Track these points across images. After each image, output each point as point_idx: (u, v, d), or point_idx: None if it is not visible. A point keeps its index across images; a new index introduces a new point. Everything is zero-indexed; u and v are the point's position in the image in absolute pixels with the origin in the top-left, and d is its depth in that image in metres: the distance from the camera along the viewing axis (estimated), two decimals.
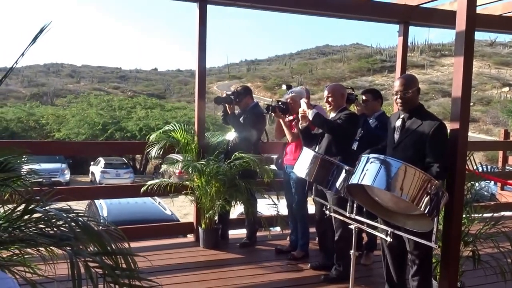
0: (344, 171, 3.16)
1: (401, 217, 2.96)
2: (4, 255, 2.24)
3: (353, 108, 4.52)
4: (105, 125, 24.99)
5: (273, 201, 4.52)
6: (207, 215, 4.59)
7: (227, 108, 4.71)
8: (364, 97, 4.40)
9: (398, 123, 3.13)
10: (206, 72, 5.01)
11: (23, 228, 2.05)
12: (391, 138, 3.16)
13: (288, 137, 4.43)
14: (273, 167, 4.80)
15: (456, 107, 3.08)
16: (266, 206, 4.60)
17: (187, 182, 4.73)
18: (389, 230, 2.88)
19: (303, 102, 3.94)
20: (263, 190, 4.60)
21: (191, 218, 6.00)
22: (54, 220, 2.05)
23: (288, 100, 4.45)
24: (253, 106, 4.77)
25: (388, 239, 2.88)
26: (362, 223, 3.09)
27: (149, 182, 4.67)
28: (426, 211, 2.61)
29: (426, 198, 2.59)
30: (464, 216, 3.31)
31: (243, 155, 4.40)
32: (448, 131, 3.09)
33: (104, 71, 78.64)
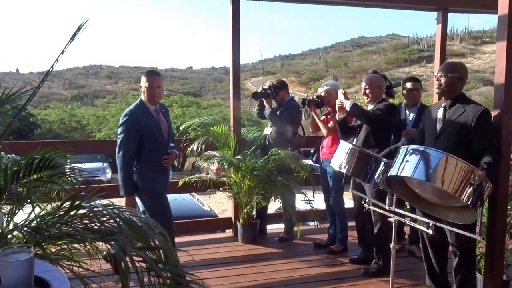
0: (382, 163, 3.11)
1: (443, 209, 2.89)
2: (53, 250, 2.34)
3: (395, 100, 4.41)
4: None
5: (306, 196, 4.48)
6: (245, 210, 4.63)
7: (264, 102, 4.73)
8: (411, 86, 4.30)
9: (440, 112, 3.05)
10: (241, 68, 5.03)
11: (69, 223, 2.12)
12: (433, 128, 3.08)
13: (323, 131, 4.40)
14: (309, 161, 4.78)
15: (499, 94, 2.97)
16: (302, 201, 4.57)
17: (224, 178, 4.78)
18: (431, 222, 2.81)
19: (340, 93, 3.90)
20: (299, 185, 4.58)
21: (229, 214, 6.07)
22: (99, 216, 2.11)
23: (323, 94, 4.42)
24: (289, 100, 4.77)
25: (430, 231, 2.82)
26: (402, 216, 3.04)
27: (187, 178, 4.75)
28: (469, 203, 2.53)
29: (469, 189, 2.51)
30: (509, 207, 3.20)
31: (279, 151, 4.40)
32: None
33: (140, 71, 79.76)
